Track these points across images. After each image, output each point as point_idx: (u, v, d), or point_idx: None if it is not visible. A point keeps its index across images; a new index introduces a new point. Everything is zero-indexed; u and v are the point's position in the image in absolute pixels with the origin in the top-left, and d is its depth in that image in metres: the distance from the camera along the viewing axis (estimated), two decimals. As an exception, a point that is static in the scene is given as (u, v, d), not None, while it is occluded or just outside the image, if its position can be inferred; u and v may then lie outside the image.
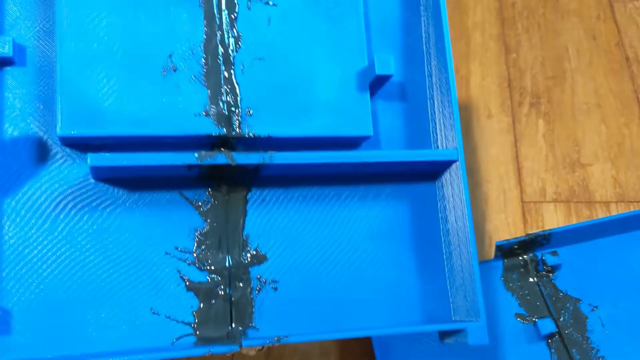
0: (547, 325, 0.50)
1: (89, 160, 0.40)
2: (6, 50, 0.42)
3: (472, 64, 0.80)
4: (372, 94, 0.48)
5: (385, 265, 0.48)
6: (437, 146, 0.49)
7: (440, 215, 0.49)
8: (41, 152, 0.43)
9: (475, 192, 0.68)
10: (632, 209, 0.65)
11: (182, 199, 0.45)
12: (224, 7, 0.46)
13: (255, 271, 0.46)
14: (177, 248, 0.44)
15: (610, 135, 0.70)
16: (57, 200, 0.43)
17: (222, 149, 0.44)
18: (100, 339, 0.42)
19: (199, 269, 0.44)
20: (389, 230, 0.48)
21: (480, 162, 0.70)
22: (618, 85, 0.74)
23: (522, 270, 0.54)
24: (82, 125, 0.41)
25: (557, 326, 0.50)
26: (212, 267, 0.45)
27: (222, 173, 0.45)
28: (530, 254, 0.54)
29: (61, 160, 0.43)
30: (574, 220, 0.65)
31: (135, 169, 0.42)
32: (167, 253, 0.44)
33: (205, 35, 0.45)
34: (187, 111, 0.43)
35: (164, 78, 0.43)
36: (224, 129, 0.44)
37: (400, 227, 0.49)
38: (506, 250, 0.54)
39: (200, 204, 0.45)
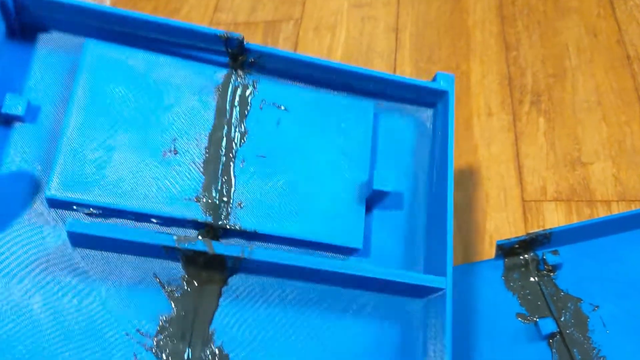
0: (548, 325, 0.49)
1: (66, 226, 0.39)
2: (19, 110, 0.43)
3: (472, 62, 0.79)
4: (369, 207, 0.47)
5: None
6: (427, 265, 0.47)
7: (421, 341, 0.45)
8: (26, 211, 0.42)
9: (476, 191, 0.67)
10: (633, 208, 0.64)
11: (154, 280, 0.43)
12: (236, 102, 0.46)
13: None
14: (138, 330, 0.41)
15: (611, 133, 0.70)
16: (29, 260, 0.41)
17: (203, 238, 0.42)
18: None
19: (156, 356, 0.41)
20: (368, 349, 0.44)
21: (481, 160, 0.70)
22: (619, 83, 0.74)
23: (523, 269, 0.53)
24: (72, 190, 0.41)
25: (558, 326, 0.50)
26: (170, 357, 0.41)
27: (200, 260, 0.42)
28: (531, 253, 0.54)
29: (44, 223, 0.42)
30: (574, 220, 0.64)
31: (113, 242, 0.41)
32: (127, 334, 0.41)
33: (213, 126, 0.45)
34: (178, 194, 0.43)
35: (162, 159, 0.43)
36: (211, 217, 0.43)
37: (380, 347, 0.44)
38: (507, 250, 0.53)
39: (172, 289, 0.43)
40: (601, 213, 0.64)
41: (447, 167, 0.47)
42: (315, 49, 0.86)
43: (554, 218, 0.64)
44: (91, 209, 0.42)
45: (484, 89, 0.76)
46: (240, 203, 0.44)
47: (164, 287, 0.43)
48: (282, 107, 0.47)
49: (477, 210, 0.66)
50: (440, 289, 0.44)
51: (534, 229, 0.63)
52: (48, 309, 0.41)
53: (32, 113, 0.44)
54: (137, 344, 0.41)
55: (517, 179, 0.68)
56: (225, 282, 0.43)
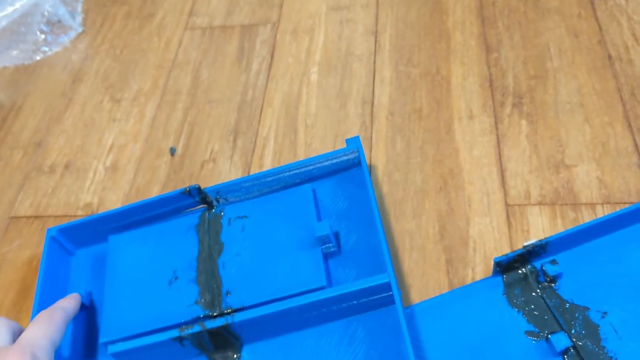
0: (561, 341, 0.44)
1: (109, 350, 0.51)
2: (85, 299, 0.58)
3: (452, 64, 0.74)
4: (326, 254, 0.56)
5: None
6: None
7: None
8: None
9: (458, 196, 0.62)
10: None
11: None
12: (211, 229, 0.59)
13: None
14: None
15: (595, 134, 0.65)
16: None
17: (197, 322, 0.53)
18: None
19: None
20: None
21: (463, 164, 0.65)
22: (601, 84, 0.69)
23: (523, 283, 0.48)
24: (116, 333, 0.54)
25: (571, 339, 0.45)
26: None
27: (206, 341, 0.52)
28: (529, 266, 0.49)
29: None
30: (559, 223, 0.59)
31: (145, 350, 0.52)
32: None
33: (199, 251, 0.58)
34: (184, 305, 0.55)
35: (169, 287, 0.56)
36: (209, 310, 0.53)
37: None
38: (505, 265, 0.48)
39: None
40: (586, 216, 0.59)
41: (368, 188, 0.56)
42: (293, 52, 0.80)
43: (538, 222, 0.59)
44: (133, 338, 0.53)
45: (465, 91, 0.71)
46: (228, 292, 0.54)
47: None
48: (244, 217, 0.59)
49: (460, 215, 0.61)
50: (386, 283, 0.50)
51: (518, 234, 0.58)
52: None
53: (90, 298, 0.60)
54: None
55: (500, 183, 0.63)
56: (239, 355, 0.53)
